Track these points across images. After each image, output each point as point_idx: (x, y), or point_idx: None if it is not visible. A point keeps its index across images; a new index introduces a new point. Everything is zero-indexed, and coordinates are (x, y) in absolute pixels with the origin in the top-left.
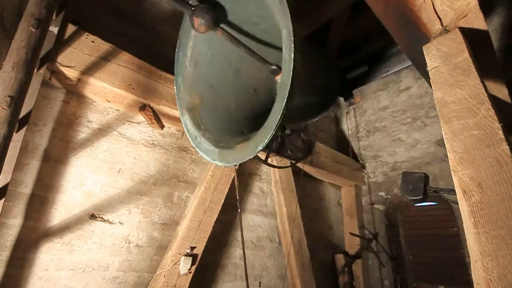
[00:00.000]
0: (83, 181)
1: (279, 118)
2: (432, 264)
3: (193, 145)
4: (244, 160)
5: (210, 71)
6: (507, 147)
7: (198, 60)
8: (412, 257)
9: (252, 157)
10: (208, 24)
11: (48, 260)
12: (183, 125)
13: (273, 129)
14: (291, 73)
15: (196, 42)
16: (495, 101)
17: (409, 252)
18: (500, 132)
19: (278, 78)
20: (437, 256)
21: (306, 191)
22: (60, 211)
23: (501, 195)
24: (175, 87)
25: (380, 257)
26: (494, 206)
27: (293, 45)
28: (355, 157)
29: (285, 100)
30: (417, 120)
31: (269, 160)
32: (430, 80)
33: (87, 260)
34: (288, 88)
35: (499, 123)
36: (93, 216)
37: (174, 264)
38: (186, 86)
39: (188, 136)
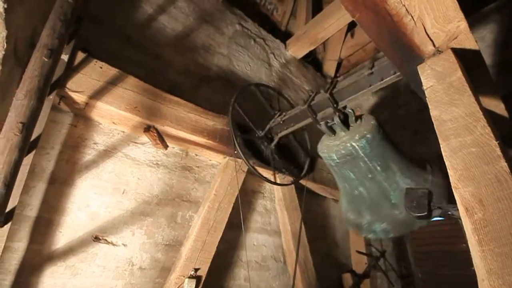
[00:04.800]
0: (88, 202)
1: None
2: (443, 283)
3: None
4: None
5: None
6: (506, 164)
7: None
8: (422, 275)
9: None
10: None
11: (51, 284)
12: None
13: None
14: None
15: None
16: (491, 117)
17: (418, 270)
18: (498, 149)
19: None
20: (446, 274)
21: (310, 208)
22: (65, 233)
23: (503, 212)
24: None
25: (388, 276)
26: (497, 223)
27: None
28: None
29: None
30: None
31: (271, 178)
32: (427, 98)
33: (90, 283)
34: None
35: (496, 140)
36: (97, 238)
37: (178, 287)
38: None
39: None
